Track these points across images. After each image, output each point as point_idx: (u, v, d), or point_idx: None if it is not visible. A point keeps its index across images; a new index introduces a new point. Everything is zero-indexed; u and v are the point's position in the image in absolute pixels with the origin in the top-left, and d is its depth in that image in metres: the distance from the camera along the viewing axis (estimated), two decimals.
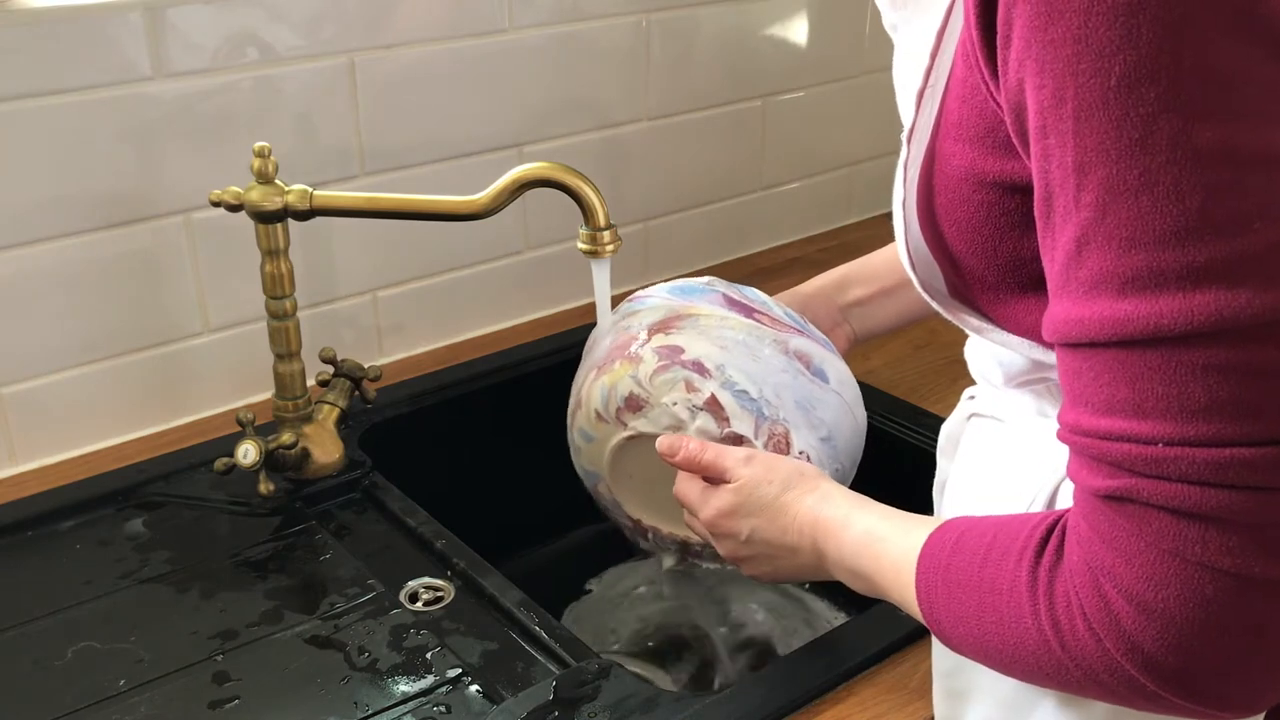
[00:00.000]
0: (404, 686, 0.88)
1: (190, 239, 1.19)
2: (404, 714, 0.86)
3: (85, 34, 1.08)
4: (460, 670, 0.90)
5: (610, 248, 0.96)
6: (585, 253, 0.96)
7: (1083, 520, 0.56)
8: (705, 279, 0.99)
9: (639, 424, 0.93)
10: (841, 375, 0.95)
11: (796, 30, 1.60)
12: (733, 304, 0.95)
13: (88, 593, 0.98)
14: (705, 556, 0.99)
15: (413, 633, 0.94)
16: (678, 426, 0.91)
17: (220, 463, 1.06)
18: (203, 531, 1.06)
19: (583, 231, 0.96)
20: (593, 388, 0.95)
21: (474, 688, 0.88)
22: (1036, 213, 0.56)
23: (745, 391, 0.89)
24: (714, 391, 0.90)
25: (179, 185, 1.17)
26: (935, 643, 0.77)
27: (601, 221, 0.95)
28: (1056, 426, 0.58)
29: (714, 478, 0.85)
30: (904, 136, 0.66)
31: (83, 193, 1.12)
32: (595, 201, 0.95)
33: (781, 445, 0.89)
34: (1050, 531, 0.59)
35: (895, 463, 1.21)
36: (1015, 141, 0.57)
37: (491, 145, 1.36)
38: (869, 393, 1.29)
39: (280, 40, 1.19)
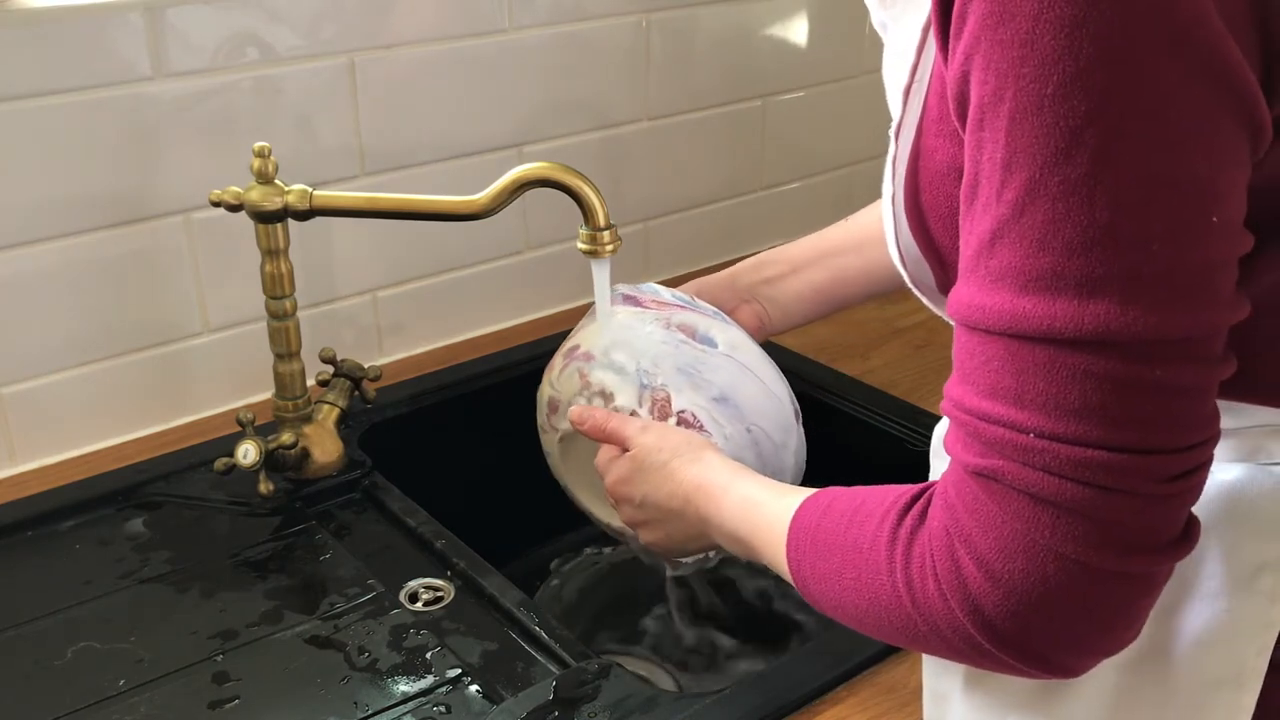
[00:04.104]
0: (404, 686, 0.88)
1: (190, 239, 1.19)
2: (404, 714, 0.86)
3: (85, 34, 1.08)
4: (460, 670, 0.90)
5: (610, 248, 0.96)
6: (585, 253, 0.96)
7: (951, 488, 0.60)
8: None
9: (562, 424, 0.99)
10: (733, 340, 0.99)
11: (796, 30, 1.60)
12: (626, 299, 1.01)
13: (88, 593, 0.98)
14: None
15: (413, 633, 0.94)
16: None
17: (220, 463, 1.06)
18: (203, 531, 1.06)
19: (583, 231, 0.96)
20: (536, 406, 1.03)
21: (474, 688, 0.89)
22: (962, 196, 0.58)
23: (624, 367, 0.96)
24: (599, 374, 0.96)
25: (179, 185, 1.17)
26: None
27: (601, 221, 0.95)
28: None
29: (618, 446, 0.92)
30: (891, 133, 0.67)
31: (83, 193, 1.12)
32: (595, 201, 0.95)
33: (665, 408, 0.94)
34: (916, 498, 0.64)
35: (895, 462, 1.21)
36: (956, 124, 0.59)
37: (491, 145, 1.36)
38: (869, 393, 1.29)
39: (280, 40, 1.19)
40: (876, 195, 1.07)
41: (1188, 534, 0.58)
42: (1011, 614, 0.57)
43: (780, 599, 1.24)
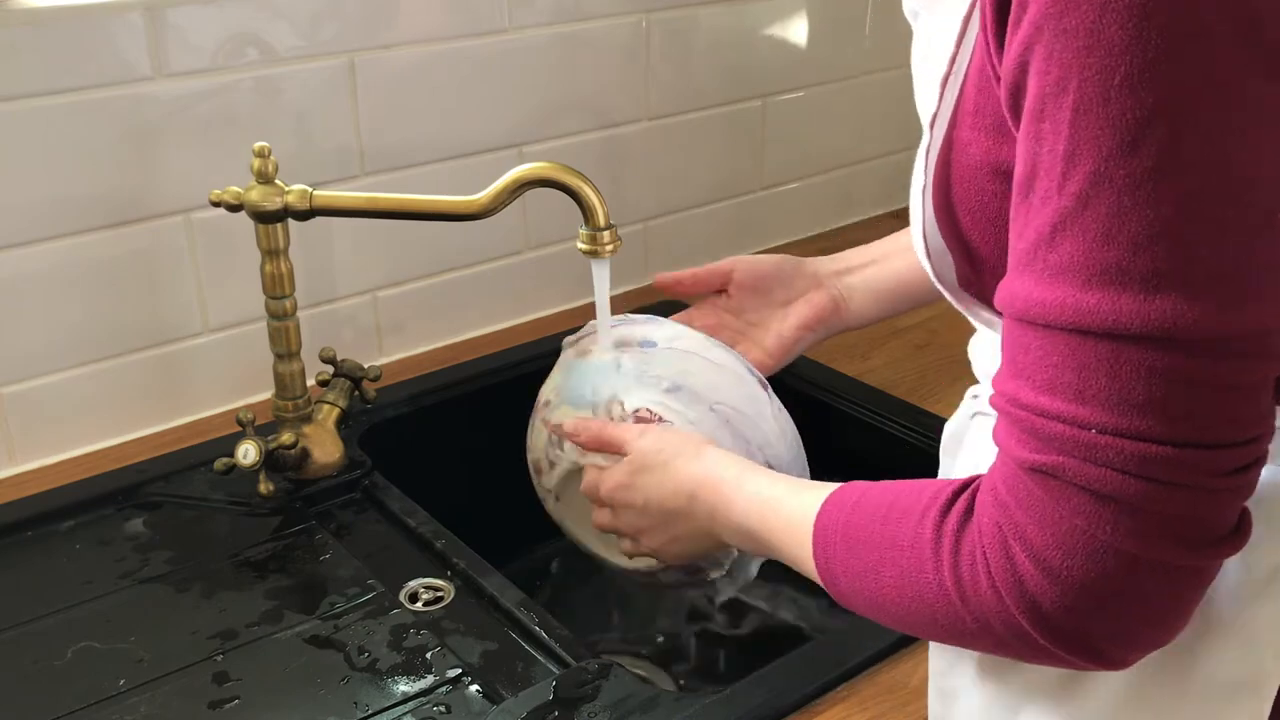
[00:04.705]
0: (404, 686, 0.88)
1: (190, 239, 1.19)
2: (404, 714, 0.86)
3: (85, 34, 1.08)
4: (460, 670, 0.90)
5: (610, 248, 0.96)
6: (585, 253, 0.96)
7: (1002, 484, 0.59)
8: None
9: (549, 481, 1.01)
10: (672, 333, 0.99)
11: (796, 30, 1.60)
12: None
13: (88, 593, 0.98)
14: (668, 575, 0.99)
15: (413, 633, 0.94)
16: (554, 463, 0.99)
17: (220, 463, 1.06)
18: (203, 531, 1.06)
19: (583, 231, 0.96)
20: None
21: (474, 688, 0.88)
22: (1015, 188, 0.57)
23: (578, 399, 0.97)
24: (557, 414, 0.98)
25: (179, 185, 1.17)
26: (933, 643, 0.77)
27: (601, 221, 0.95)
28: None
29: (615, 451, 0.92)
30: (926, 123, 0.66)
31: (83, 193, 1.12)
32: (595, 201, 0.95)
33: (618, 413, 0.95)
34: (958, 494, 0.63)
35: (895, 462, 1.21)
36: (1006, 115, 0.58)
37: (491, 145, 1.36)
38: (869, 393, 1.29)
39: (280, 40, 1.19)
40: (877, 195, 1.07)
41: (1241, 527, 0.58)
42: (1069, 610, 0.57)
43: (783, 600, 1.24)
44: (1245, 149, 0.51)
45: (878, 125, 1.73)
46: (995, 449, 0.72)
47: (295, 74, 1.21)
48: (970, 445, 0.79)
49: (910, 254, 1.02)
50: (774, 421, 0.98)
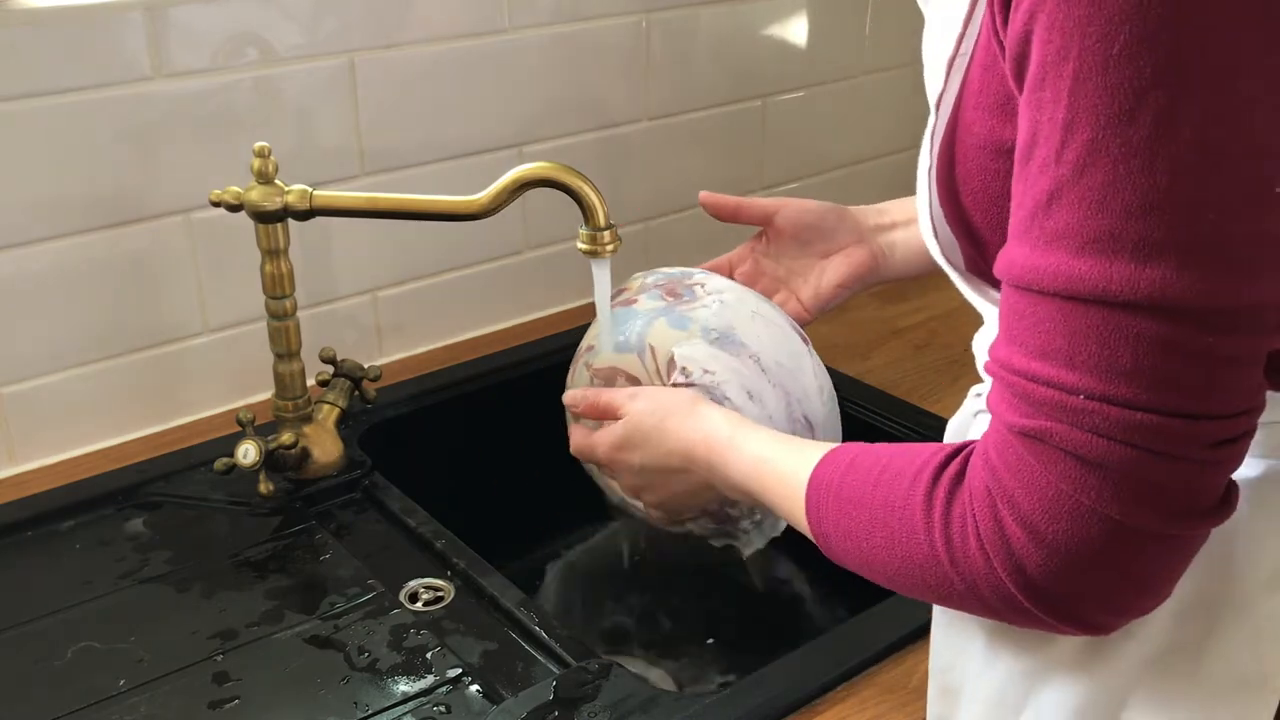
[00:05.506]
0: (404, 686, 0.88)
1: (190, 239, 1.19)
2: (404, 714, 0.86)
3: (85, 34, 1.08)
4: (460, 670, 0.90)
5: (610, 248, 0.96)
6: (585, 253, 0.96)
7: (993, 449, 0.60)
8: None
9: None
10: (716, 285, 1.01)
11: (796, 30, 1.60)
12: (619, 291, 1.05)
13: (88, 593, 0.98)
14: (699, 525, 1.00)
15: (413, 633, 0.94)
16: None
17: (220, 463, 1.06)
18: (203, 531, 1.06)
19: (583, 231, 0.96)
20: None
21: (474, 688, 0.88)
22: (1017, 155, 0.58)
23: (622, 344, 0.98)
24: (600, 357, 1.00)
25: (179, 185, 1.17)
26: (934, 639, 0.77)
27: (601, 221, 0.95)
28: None
29: (611, 417, 0.93)
30: (932, 104, 0.66)
31: (82, 193, 1.12)
32: (595, 201, 0.95)
33: (665, 359, 0.96)
34: (950, 458, 0.64)
35: None
36: (1011, 86, 0.58)
37: (491, 145, 1.36)
38: (869, 393, 1.29)
39: (280, 40, 1.19)
40: (876, 195, 1.07)
41: (1227, 499, 0.58)
42: (1054, 574, 0.58)
43: (785, 599, 1.24)
44: (1244, 121, 0.51)
45: (878, 125, 1.73)
46: None
47: (295, 74, 1.21)
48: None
49: None
50: (814, 377, 0.99)
